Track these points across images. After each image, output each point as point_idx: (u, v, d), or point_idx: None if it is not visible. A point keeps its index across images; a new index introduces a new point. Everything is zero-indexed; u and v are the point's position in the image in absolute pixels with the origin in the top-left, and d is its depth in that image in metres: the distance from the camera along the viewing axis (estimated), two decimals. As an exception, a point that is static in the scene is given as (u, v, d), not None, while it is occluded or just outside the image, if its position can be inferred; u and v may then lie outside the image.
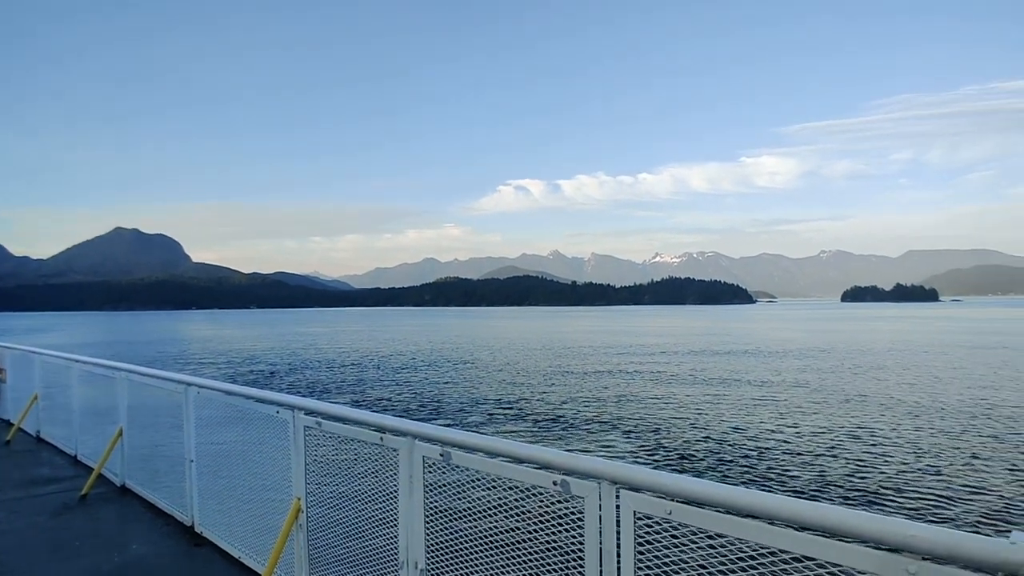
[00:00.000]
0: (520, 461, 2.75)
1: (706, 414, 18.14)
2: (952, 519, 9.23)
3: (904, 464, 12.31)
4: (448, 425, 15.53)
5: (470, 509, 3.03)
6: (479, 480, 2.97)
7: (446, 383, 25.97)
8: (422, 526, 3.24)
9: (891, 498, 10.20)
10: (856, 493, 10.49)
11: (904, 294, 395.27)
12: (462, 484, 3.09)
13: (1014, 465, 12.17)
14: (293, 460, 4.21)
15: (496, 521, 2.91)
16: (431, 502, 3.23)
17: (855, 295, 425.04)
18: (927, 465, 12.21)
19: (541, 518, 2.69)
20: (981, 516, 9.38)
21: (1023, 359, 33.85)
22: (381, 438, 3.50)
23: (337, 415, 3.94)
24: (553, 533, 2.62)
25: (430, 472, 3.23)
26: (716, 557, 2.10)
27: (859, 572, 1.74)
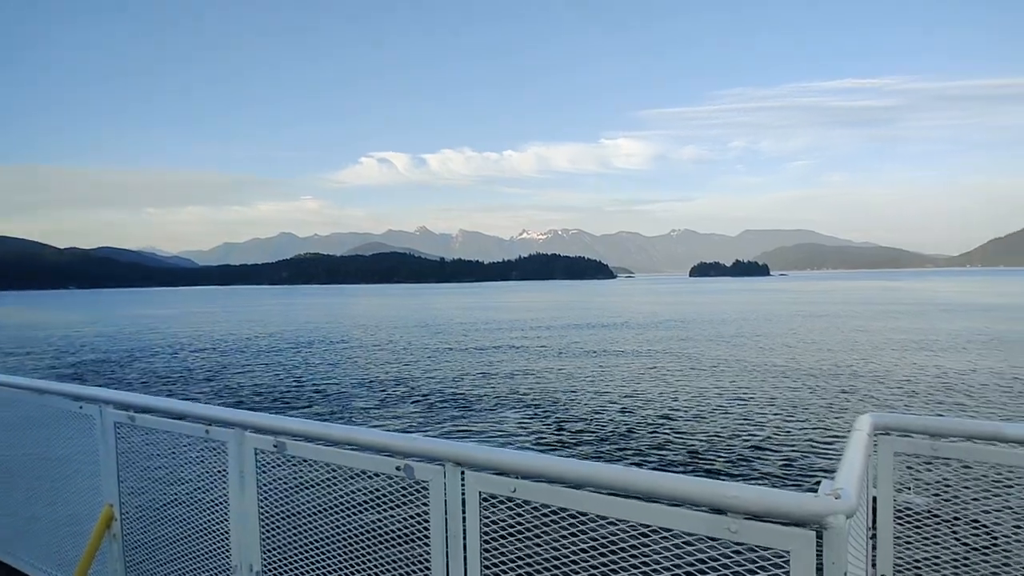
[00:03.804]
0: (361, 448, 2.59)
1: (565, 388, 18.91)
2: (780, 476, 10.28)
3: (743, 427, 13.47)
4: (286, 413, 14.56)
5: (309, 502, 2.81)
6: (318, 470, 2.75)
7: (296, 367, 24.35)
8: (256, 525, 2.95)
9: (726, 460, 11.11)
10: (696, 458, 11.31)
11: (742, 269, 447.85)
12: (300, 476, 2.84)
13: (837, 422, 13.78)
14: (102, 462, 3.65)
15: (337, 513, 2.73)
16: (266, 498, 2.94)
17: (702, 270, 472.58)
18: (764, 427, 13.47)
19: (385, 506, 2.56)
20: (804, 470, 10.52)
21: (844, 324, 39.85)
22: (207, 431, 3.13)
23: (154, 408, 3.48)
24: (398, 520, 2.51)
25: (264, 465, 2.94)
26: (559, 531, 2.12)
27: (689, 534, 1.82)
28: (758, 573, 1.73)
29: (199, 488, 3.18)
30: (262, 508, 2.94)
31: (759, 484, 9.91)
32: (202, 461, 3.17)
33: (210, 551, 3.13)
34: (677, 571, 1.90)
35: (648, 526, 1.89)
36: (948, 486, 2.51)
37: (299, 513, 2.85)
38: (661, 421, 14.19)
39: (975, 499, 2.47)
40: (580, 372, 21.82)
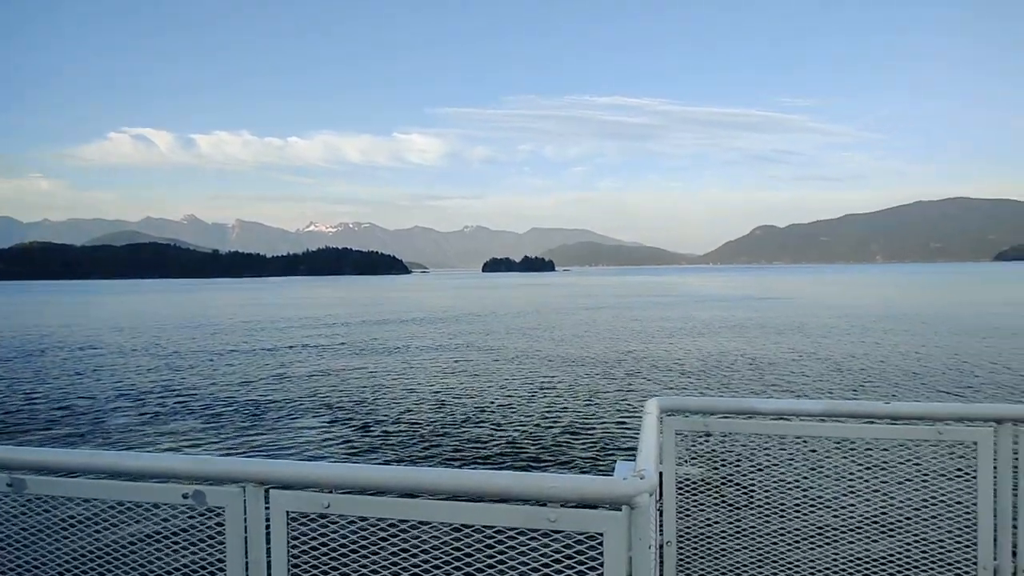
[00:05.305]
0: (135, 476, 2.15)
1: (370, 387, 18.27)
2: (583, 457, 11.06)
3: (547, 415, 14.18)
4: (19, 442, 11.77)
5: (65, 554, 2.26)
6: (76, 511, 2.23)
7: (26, 382, 19.60)
8: None
9: (536, 448, 11.63)
10: (508, 447, 11.71)
11: (531, 265, 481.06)
12: (50, 521, 2.27)
13: (626, 404, 15.17)
14: None
15: (107, 562, 2.24)
16: None
17: (493, 265, 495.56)
18: (565, 413, 14.36)
19: (171, 543, 2.19)
20: (604, 450, 11.44)
21: (623, 314, 45.17)
22: None
23: None
24: (188, 558, 2.16)
25: None
26: (378, 543, 2.03)
27: (511, 528, 1.86)
28: (575, 556, 1.85)
29: None
30: None
31: (565, 467, 10.68)
32: None
33: None
34: (501, 567, 1.94)
35: (471, 526, 1.89)
36: (716, 456, 3.03)
37: (51, 571, 2.29)
38: (470, 415, 14.48)
39: (737, 465, 3.04)
40: (383, 370, 21.35)
